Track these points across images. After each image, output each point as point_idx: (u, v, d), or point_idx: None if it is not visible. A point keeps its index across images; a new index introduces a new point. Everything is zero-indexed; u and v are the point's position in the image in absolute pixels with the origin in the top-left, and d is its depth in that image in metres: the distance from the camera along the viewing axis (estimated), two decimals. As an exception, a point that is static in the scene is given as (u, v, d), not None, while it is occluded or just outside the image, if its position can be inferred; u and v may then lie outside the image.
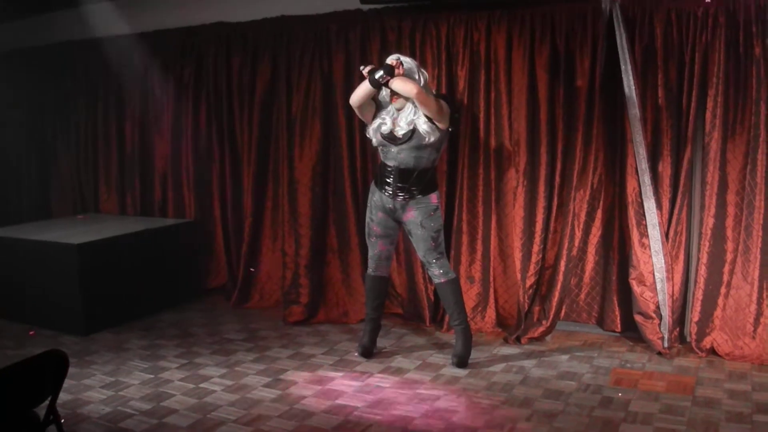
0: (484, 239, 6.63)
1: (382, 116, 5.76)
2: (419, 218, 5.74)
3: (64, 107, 9.00)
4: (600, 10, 5.92)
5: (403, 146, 5.65)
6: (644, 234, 5.93)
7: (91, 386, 5.45)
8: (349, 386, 5.43)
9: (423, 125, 5.54)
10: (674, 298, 5.93)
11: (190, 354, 6.21)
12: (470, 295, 6.63)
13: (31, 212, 9.28)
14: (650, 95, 5.91)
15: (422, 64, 6.55)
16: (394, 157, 5.72)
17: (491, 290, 6.66)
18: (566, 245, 6.26)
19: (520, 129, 6.36)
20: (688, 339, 6.00)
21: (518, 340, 6.30)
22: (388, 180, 5.80)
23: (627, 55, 5.76)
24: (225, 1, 7.61)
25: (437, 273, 5.81)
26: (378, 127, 5.77)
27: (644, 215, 5.91)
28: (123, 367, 5.90)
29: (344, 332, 6.75)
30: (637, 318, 6.05)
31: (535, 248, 6.37)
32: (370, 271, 6.11)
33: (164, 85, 8.17)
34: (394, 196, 5.78)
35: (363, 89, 5.65)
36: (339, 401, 5.14)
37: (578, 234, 6.29)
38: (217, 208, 8.05)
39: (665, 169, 5.91)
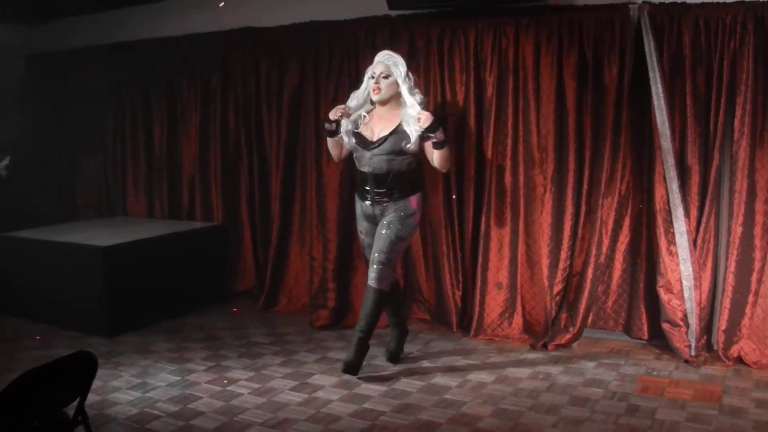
0: (512, 245, 6.69)
1: (353, 117, 5.92)
2: (390, 218, 5.74)
3: (92, 111, 9.11)
4: (628, 17, 5.99)
5: (376, 151, 5.73)
6: (672, 242, 5.98)
7: (119, 387, 5.56)
8: (376, 391, 5.50)
9: (413, 135, 5.67)
10: (701, 306, 5.97)
11: (217, 357, 6.30)
12: (497, 302, 6.72)
13: (58, 214, 9.38)
14: (678, 102, 5.95)
15: (450, 69, 6.75)
16: (368, 162, 5.78)
17: (518, 297, 6.73)
18: (594, 252, 6.32)
19: (548, 136, 6.42)
20: (715, 347, 6.03)
21: (545, 346, 6.35)
22: (366, 187, 5.85)
23: (655, 62, 5.85)
24: (253, 6, 7.72)
25: (374, 277, 5.72)
26: (349, 130, 5.89)
27: (672, 223, 5.95)
28: (150, 369, 6.01)
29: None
30: (664, 326, 6.09)
31: (563, 255, 6.44)
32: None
33: (191, 89, 8.31)
34: (374, 202, 5.82)
35: (331, 144, 6.11)
36: (365, 405, 5.22)
37: (606, 241, 6.35)
38: (245, 212, 8.16)
39: (693, 176, 5.96)
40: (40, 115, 9.48)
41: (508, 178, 6.64)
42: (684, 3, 5.85)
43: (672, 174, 5.88)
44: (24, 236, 7.64)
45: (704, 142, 5.95)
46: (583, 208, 6.37)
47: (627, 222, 6.38)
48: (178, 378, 5.79)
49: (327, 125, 5.94)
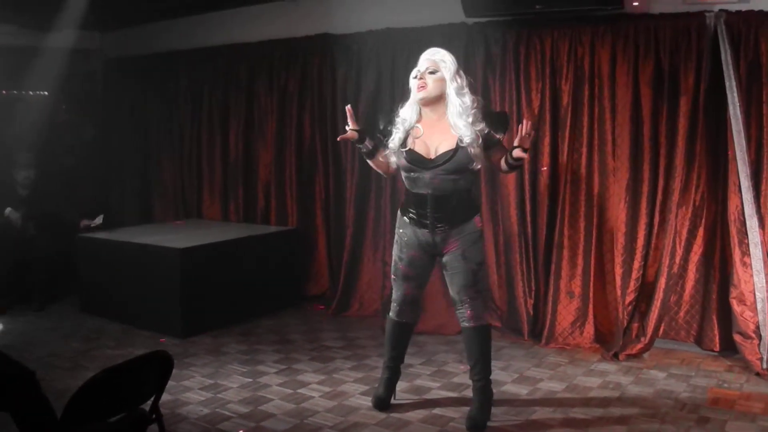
0: (585, 254, 6.90)
1: (398, 126, 5.19)
2: (462, 247, 5.05)
3: (169, 114, 9.64)
4: (704, 25, 6.16)
5: (438, 171, 4.94)
6: (746, 253, 6.10)
7: (191, 388, 5.87)
8: (446, 397, 5.69)
9: (475, 148, 4.92)
10: (775, 318, 6.09)
11: (289, 360, 6.61)
12: (569, 310, 6.94)
13: (134, 216, 9.90)
14: (755, 112, 6.10)
15: (526, 77, 6.99)
16: (427, 183, 4.98)
17: (590, 305, 6.92)
18: (667, 262, 6.47)
19: (623, 144, 6.62)
20: (788, 360, 6.15)
21: (616, 356, 6.49)
22: (422, 211, 5.06)
23: (731, 72, 6.00)
24: (330, 12, 8.07)
25: (468, 315, 5.10)
26: (399, 146, 5.11)
27: (747, 234, 6.07)
28: (222, 370, 6.33)
29: (442, 343, 7.05)
30: (736, 338, 6.19)
31: (636, 264, 6.63)
32: (392, 314, 5.49)
33: (268, 95, 8.70)
34: (433, 228, 5.06)
35: (373, 165, 5.40)
36: (435, 411, 5.40)
37: (679, 251, 6.50)
38: (320, 216, 8.54)
39: (768, 186, 6.12)
40: (118, 119, 10.00)
41: (582, 187, 6.87)
42: (761, 11, 5.99)
43: (747, 184, 6.01)
44: (103, 237, 8.10)
45: (780, 152, 6.10)
46: (657, 218, 6.55)
47: (701, 232, 6.52)
48: (250, 380, 6.09)
49: (359, 145, 5.28)
